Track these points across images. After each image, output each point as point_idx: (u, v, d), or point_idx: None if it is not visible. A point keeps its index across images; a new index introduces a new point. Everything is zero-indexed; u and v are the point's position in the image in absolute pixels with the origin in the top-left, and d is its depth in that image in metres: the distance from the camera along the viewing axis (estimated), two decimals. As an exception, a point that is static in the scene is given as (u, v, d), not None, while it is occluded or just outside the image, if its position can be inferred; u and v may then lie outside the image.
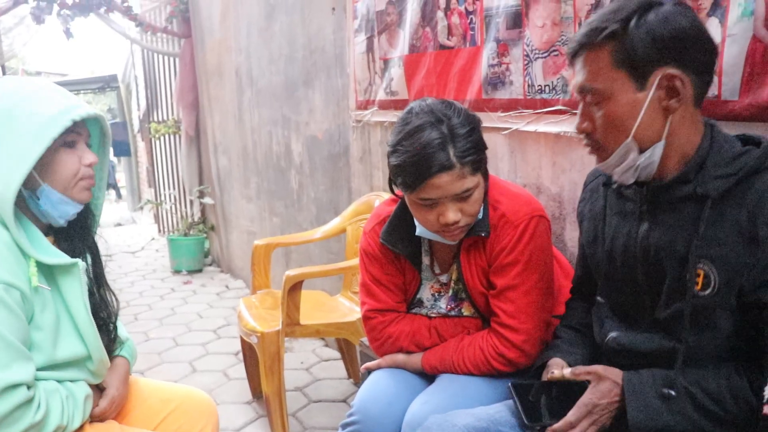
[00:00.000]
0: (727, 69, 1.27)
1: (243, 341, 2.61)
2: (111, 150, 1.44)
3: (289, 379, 2.80)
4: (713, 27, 1.28)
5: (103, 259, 1.39)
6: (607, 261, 1.22)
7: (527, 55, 1.77)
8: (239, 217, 4.55)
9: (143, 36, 5.23)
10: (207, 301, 4.30)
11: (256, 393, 2.71)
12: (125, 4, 4.78)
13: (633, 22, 1.00)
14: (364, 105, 2.67)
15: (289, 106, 3.49)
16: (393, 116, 2.43)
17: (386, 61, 2.45)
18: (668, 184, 1.08)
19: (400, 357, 1.52)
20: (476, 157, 1.29)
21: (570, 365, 1.25)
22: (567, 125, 1.67)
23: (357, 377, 2.84)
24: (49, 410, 1.15)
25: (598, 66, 1.04)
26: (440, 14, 2.10)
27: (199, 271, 5.13)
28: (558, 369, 1.22)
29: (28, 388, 1.11)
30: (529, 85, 1.78)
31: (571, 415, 1.09)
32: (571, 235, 1.76)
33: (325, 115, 3.11)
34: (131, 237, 6.92)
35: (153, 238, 6.68)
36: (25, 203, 1.21)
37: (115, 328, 1.40)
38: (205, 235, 5.25)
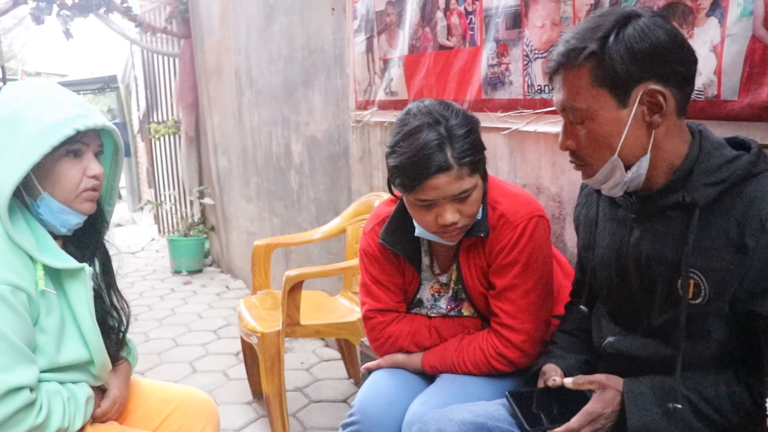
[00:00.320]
0: (727, 69, 1.27)
1: (243, 341, 2.61)
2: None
3: (290, 380, 2.80)
4: (712, 27, 1.28)
5: (114, 266, 1.39)
6: (602, 267, 1.22)
7: (527, 56, 1.77)
8: (239, 217, 4.55)
9: (143, 36, 5.23)
10: (207, 301, 4.30)
11: (257, 393, 2.71)
12: (125, 5, 4.78)
13: (611, 39, 0.98)
14: (364, 105, 2.67)
15: (288, 106, 3.49)
16: (393, 116, 2.43)
17: (386, 62, 2.45)
18: (657, 193, 1.07)
19: (400, 357, 1.52)
20: (474, 158, 1.29)
21: (564, 371, 1.25)
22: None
23: (357, 377, 2.84)
24: (50, 412, 1.15)
25: (578, 85, 1.03)
26: (440, 14, 2.10)
27: (199, 271, 5.13)
28: (556, 375, 1.22)
29: (31, 390, 1.11)
30: (528, 85, 1.79)
31: (574, 422, 1.09)
32: (571, 235, 1.76)
33: (324, 115, 3.11)
34: (131, 237, 6.92)
35: (153, 239, 6.67)
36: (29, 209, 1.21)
37: (125, 335, 1.39)
38: (205, 235, 5.25)
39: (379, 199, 2.55)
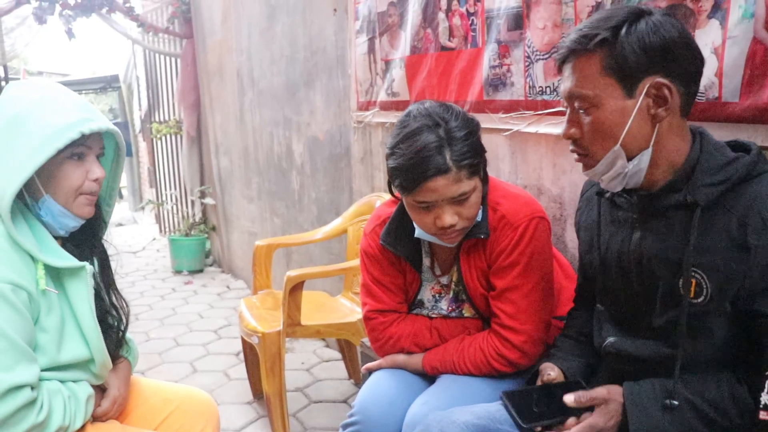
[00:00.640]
0: (728, 71, 1.27)
1: (244, 341, 2.61)
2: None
3: (290, 380, 2.80)
4: (714, 29, 1.28)
5: (113, 265, 1.39)
6: (603, 269, 1.22)
7: (528, 57, 1.77)
8: (240, 217, 4.55)
9: (145, 36, 5.24)
10: (208, 301, 4.31)
11: (257, 393, 2.71)
12: (127, 5, 4.79)
13: (624, 30, 1.00)
14: (366, 106, 2.67)
15: (290, 106, 3.49)
16: (394, 117, 2.43)
17: (387, 62, 2.45)
18: (658, 193, 1.08)
19: (401, 357, 1.52)
20: (473, 160, 1.29)
21: (565, 373, 1.26)
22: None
23: (358, 378, 2.85)
24: (51, 411, 1.15)
25: (588, 72, 1.04)
26: (441, 15, 2.10)
27: (200, 271, 5.14)
28: (552, 371, 1.23)
29: (32, 389, 1.11)
30: (530, 87, 1.79)
31: None
32: (572, 237, 1.76)
33: (326, 116, 3.11)
34: (132, 237, 6.92)
35: (154, 238, 6.68)
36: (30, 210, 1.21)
37: (124, 333, 1.40)
38: (206, 235, 5.26)
39: (380, 199, 2.55)
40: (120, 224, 7.92)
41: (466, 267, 1.45)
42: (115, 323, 1.37)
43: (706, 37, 1.30)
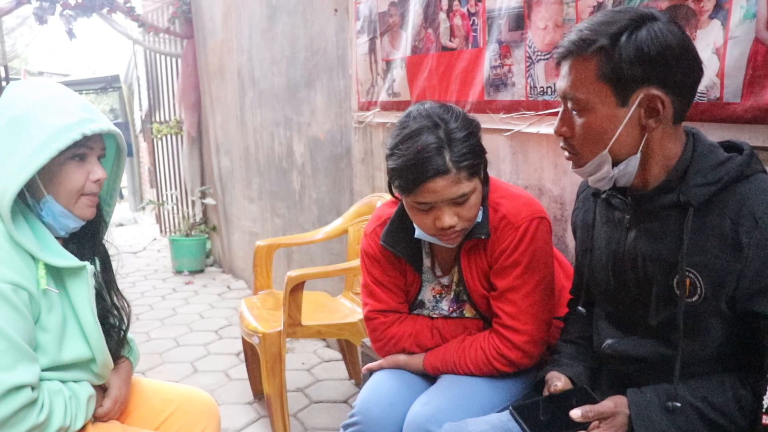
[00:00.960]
0: (729, 71, 1.27)
1: (244, 342, 2.61)
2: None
3: (291, 380, 2.80)
4: (715, 29, 1.28)
5: (114, 265, 1.39)
6: (599, 270, 1.22)
7: (529, 57, 1.77)
8: (241, 217, 4.55)
9: (146, 37, 5.23)
10: (208, 301, 4.31)
11: (258, 393, 2.71)
12: (128, 5, 4.79)
13: (624, 38, 0.99)
14: (367, 106, 2.67)
15: (291, 107, 3.49)
16: (395, 117, 2.43)
17: (388, 63, 2.45)
18: (652, 193, 1.08)
19: (402, 358, 1.52)
20: (473, 162, 1.29)
21: (572, 379, 1.25)
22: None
23: (358, 378, 2.85)
24: (52, 411, 1.15)
25: (583, 76, 1.04)
26: (442, 16, 2.10)
27: (201, 271, 5.13)
28: (558, 381, 1.22)
29: (33, 389, 1.11)
30: (531, 87, 1.79)
31: None
32: (572, 237, 1.76)
33: (327, 116, 3.11)
34: (133, 237, 6.92)
35: (155, 239, 6.68)
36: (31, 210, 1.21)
37: (125, 333, 1.40)
38: (206, 235, 5.25)
39: (381, 200, 2.55)
40: (120, 224, 7.92)
41: (467, 267, 1.45)
42: (117, 323, 1.37)
43: (708, 37, 1.30)
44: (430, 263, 1.54)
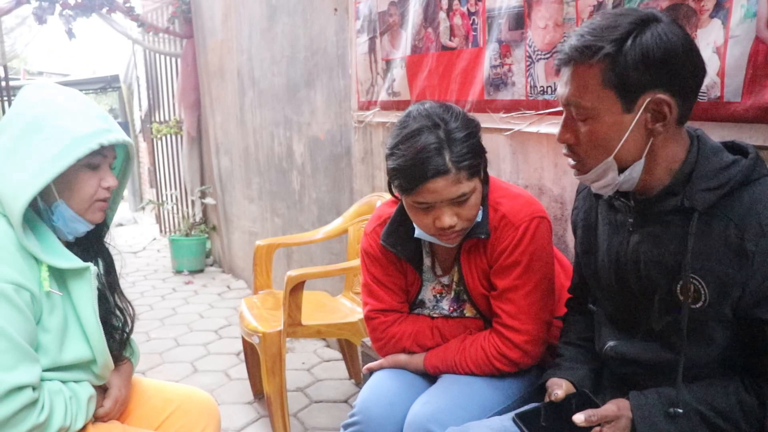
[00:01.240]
0: (730, 71, 1.27)
1: (244, 341, 2.61)
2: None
3: (291, 380, 2.80)
4: (716, 28, 1.28)
5: (117, 267, 1.40)
6: (602, 270, 1.21)
7: (529, 56, 1.77)
8: (241, 217, 4.55)
9: (145, 36, 5.23)
10: (208, 301, 4.31)
11: (258, 393, 2.71)
12: (127, 5, 4.79)
13: (628, 43, 0.97)
14: (366, 106, 2.67)
15: (291, 106, 3.49)
16: (395, 117, 2.42)
17: (388, 62, 2.45)
18: (655, 197, 1.07)
19: (402, 357, 1.52)
20: (473, 162, 1.29)
21: (574, 383, 1.24)
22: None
23: (358, 377, 2.85)
24: (52, 411, 1.15)
25: (587, 83, 1.01)
26: (442, 15, 2.10)
27: (201, 271, 5.13)
28: (558, 389, 1.21)
29: (33, 389, 1.11)
30: (531, 86, 1.78)
31: None
32: (573, 236, 1.76)
33: (327, 115, 3.11)
34: (133, 237, 6.92)
35: (154, 239, 6.68)
36: (40, 213, 1.21)
37: (129, 335, 1.40)
38: (206, 235, 5.25)
39: (381, 199, 2.55)
40: (120, 224, 7.92)
41: (467, 267, 1.45)
42: (119, 325, 1.37)
43: (708, 36, 1.29)
44: (430, 263, 1.54)
